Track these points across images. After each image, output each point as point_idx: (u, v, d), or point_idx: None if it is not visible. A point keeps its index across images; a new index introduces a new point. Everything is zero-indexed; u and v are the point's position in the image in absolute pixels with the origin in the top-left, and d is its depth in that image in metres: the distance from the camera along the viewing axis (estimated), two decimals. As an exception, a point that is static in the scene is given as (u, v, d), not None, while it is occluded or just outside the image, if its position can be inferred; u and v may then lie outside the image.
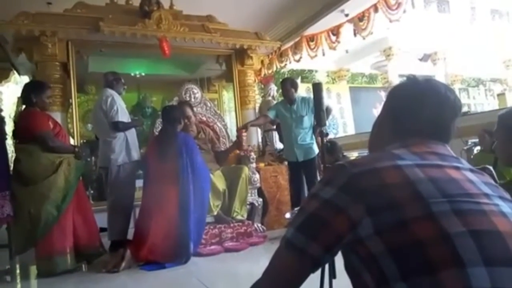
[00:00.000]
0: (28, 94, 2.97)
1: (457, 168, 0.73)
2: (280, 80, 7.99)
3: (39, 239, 2.75)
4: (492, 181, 0.76)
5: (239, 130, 4.03)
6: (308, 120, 3.95)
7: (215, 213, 3.45)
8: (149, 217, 2.98)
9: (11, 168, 2.93)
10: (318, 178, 4.01)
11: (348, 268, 0.74)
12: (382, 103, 0.93)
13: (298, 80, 7.88)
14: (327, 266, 1.90)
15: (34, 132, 2.87)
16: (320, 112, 2.01)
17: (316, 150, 3.96)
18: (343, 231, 0.67)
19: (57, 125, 3.06)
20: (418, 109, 0.82)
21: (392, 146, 0.79)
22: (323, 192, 0.71)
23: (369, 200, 0.66)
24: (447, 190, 0.66)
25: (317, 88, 2.07)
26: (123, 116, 3.56)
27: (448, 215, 0.63)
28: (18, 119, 3.05)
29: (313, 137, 3.96)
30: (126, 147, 3.50)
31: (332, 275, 1.95)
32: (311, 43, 5.98)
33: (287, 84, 4.07)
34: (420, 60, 8.45)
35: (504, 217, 0.65)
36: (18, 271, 3.18)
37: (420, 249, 0.61)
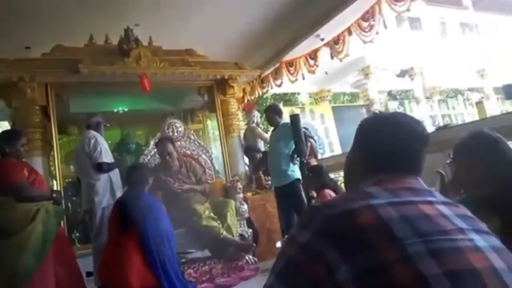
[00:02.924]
0: (1, 145, 2.92)
1: (430, 202, 0.73)
2: (264, 105, 8.06)
3: None
4: (467, 212, 0.77)
5: (232, 182, 4.05)
6: (283, 145, 3.89)
7: (223, 234, 3.39)
8: (117, 267, 2.84)
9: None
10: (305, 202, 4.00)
11: None
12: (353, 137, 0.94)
13: (281, 104, 8.01)
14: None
15: (7, 184, 2.81)
16: (300, 144, 2.01)
17: (294, 175, 3.93)
18: (321, 276, 0.66)
19: (33, 172, 3.00)
20: (388, 144, 0.83)
21: (365, 184, 0.79)
22: (300, 236, 0.71)
23: (344, 244, 0.65)
24: (421, 228, 0.66)
25: (294, 119, 2.09)
26: (107, 157, 3.53)
27: (424, 257, 0.62)
28: None
29: (290, 163, 3.94)
30: (110, 188, 3.45)
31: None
32: (290, 68, 6.08)
33: (270, 111, 4.20)
34: (398, 76, 8.65)
35: (479, 252, 0.65)
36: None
37: None
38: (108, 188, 3.43)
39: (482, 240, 0.68)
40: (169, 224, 3.12)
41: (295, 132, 2.07)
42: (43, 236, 2.76)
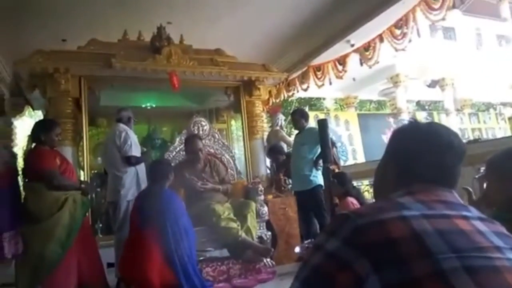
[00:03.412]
0: (37, 133, 3.04)
1: (466, 217, 0.71)
2: (289, 108, 8.04)
3: (44, 277, 2.73)
4: (504, 230, 0.74)
5: (253, 184, 4.03)
6: (307, 150, 3.98)
7: (242, 236, 3.40)
8: (137, 262, 2.87)
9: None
10: (326, 209, 3.96)
11: None
12: (386, 143, 0.92)
13: (306, 108, 7.96)
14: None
15: (39, 171, 2.91)
16: (326, 149, 1.99)
17: (316, 181, 3.93)
18: (348, 287, 0.65)
19: (64, 162, 3.10)
20: (422, 154, 0.81)
21: (397, 194, 0.77)
22: (328, 244, 0.69)
23: (374, 255, 0.64)
24: (456, 244, 0.64)
25: (322, 124, 2.07)
26: (136, 150, 3.61)
27: (459, 273, 0.60)
28: (27, 158, 3.10)
29: (313, 168, 3.94)
30: (136, 182, 3.52)
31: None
32: (318, 73, 6.04)
33: (297, 114, 4.28)
34: (428, 86, 8.45)
35: None
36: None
37: None
38: (134, 182, 3.50)
39: None
40: (188, 221, 3.13)
41: (322, 137, 2.05)
42: (69, 225, 2.84)
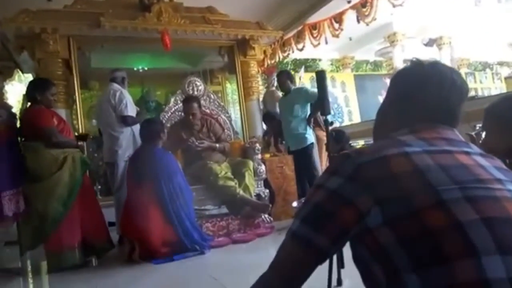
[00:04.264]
0: (33, 92, 2.97)
1: (467, 153, 0.71)
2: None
3: (47, 235, 2.77)
4: (504, 166, 0.74)
5: (250, 143, 4.02)
6: (299, 109, 4.01)
7: (240, 194, 3.44)
8: (138, 221, 2.88)
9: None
10: (316, 167, 4.01)
11: (357, 259, 0.72)
12: (387, 89, 0.91)
13: (302, 70, 7.86)
14: (335, 256, 1.90)
15: (38, 129, 2.87)
16: (324, 101, 1.97)
17: (309, 139, 3.99)
18: (350, 223, 0.66)
19: (61, 121, 3.06)
20: (424, 93, 0.79)
21: (399, 133, 0.76)
22: (329, 182, 0.69)
23: (377, 190, 0.64)
24: (457, 176, 0.64)
25: (320, 76, 2.03)
26: (132, 110, 3.58)
27: (460, 203, 0.61)
28: (23, 116, 3.05)
29: (307, 127, 3.99)
30: (133, 142, 3.51)
31: (341, 265, 1.95)
32: (313, 32, 5.91)
33: (283, 76, 4.25)
34: (426, 45, 8.32)
35: None
36: (29, 267, 3.21)
37: (432, 239, 0.59)
38: (131, 142, 3.49)
39: None
40: (183, 179, 3.15)
41: (320, 89, 2.01)
42: (69, 184, 2.85)
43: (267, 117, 4.93)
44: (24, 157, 2.86)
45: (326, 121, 1.99)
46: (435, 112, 0.78)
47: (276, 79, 4.60)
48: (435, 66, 0.83)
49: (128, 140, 3.48)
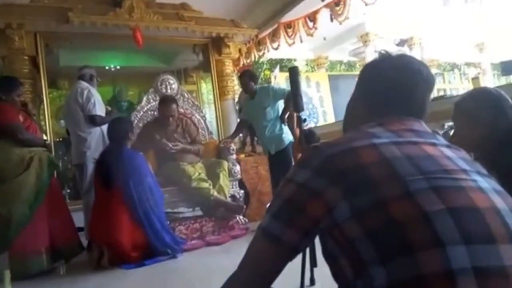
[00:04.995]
0: None
1: (434, 144, 0.71)
2: (260, 70, 7.81)
3: (11, 241, 2.62)
4: (469, 157, 0.75)
5: (225, 142, 3.93)
6: (271, 111, 3.79)
7: (214, 195, 3.37)
8: (106, 225, 2.79)
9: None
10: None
11: (326, 254, 0.72)
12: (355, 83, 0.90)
13: (277, 69, 7.87)
14: (308, 254, 1.90)
15: (2, 126, 2.71)
16: (297, 97, 1.96)
17: (287, 138, 3.89)
18: (318, 216, 0.65)
19: (27, 119, 2.90)
20: (392, 86, 0.80)
21: (367, 125, 0.76)
22: (298, 176, 0.68)
23: (345, 181, 0.64)
24: (424, 167, 0.64)
25: (293, 72, 2.02)
26: (101, 109, 3.45)
27: (426, 193, 0.60)
28: None
29: (282, 126, 3.84)
30: (103, 143, 3.39)
31: (313, 263, 1.95)
32: (288, 30, 5.92)
33: (245, 77, 3.87)
34: (397, 45, 8.50)
35: (482, 193, 0.64)
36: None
37: (398, 230, 0.58)
38: (100, 142, 3.37)
39: (485, 182, 0.67)
40: (154, 181, 3.05)
41: (293, 85, 2.00)
42: (36, 186, 2.72)
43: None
44: None
45: (299, 118, 1.97)
46: (403, 104, 0.79)
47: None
48: (403, 58, 0.84)
49: (97, 141, 3.36)
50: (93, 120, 3.36)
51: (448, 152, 0.71)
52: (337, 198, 0.63)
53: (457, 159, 0.70)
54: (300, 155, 3.09)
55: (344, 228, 0.62)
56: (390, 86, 0.80)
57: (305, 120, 2.05)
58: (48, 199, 2.78)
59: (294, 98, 1.98)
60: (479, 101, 1.39)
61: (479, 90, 1.41)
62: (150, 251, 2.78)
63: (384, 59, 0.84)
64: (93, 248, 2.81)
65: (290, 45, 6.07)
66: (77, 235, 2.99)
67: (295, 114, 3.97)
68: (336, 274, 0.71)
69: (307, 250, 1.89)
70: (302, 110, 2.02)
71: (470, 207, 0.60)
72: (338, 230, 0.63)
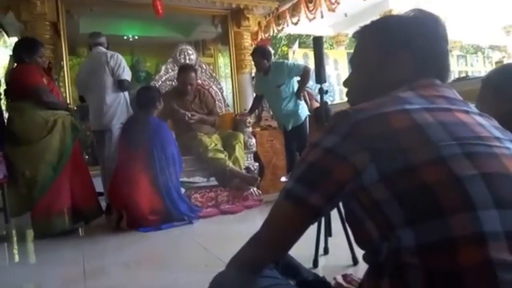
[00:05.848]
0: (20, 53, 2.82)
1: (466, 112, 0.70)
2: (278, 46, 7.66)
3: (36, 201, 2.71)
4: (500, 126, 0.74)
5: (241, 116, 3.93)
6: (286, 89, 3.76)
7: (229, 166, 3.42)
8: (127, 189, 2.88)
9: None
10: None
11: (350, 218, 0.72)
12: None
13: (296, 44, 7.74)
14: (323, 224, 1.93)
15: (27, 88, 2.74)
16: (320, 69, 1.94)
17: (304, 113, 3.87)
18: (345, 180, 0.65)
19: (51, 82, 2.94)
20: (421, 41, 0.76)
21: (397, 91, 0.74)
22: (325, 141, 0.68)
23: (375, 146, 0.63)
24: (457, 133, 0.64)
25: (317, 42, 1.99)
26: (128, 75, 3.47)
27: (459, 158, 0.60)
28: (11, 76, 2.88)
29: (298, 102, 3.82)
30: (126, 109, 3.45)
31: (328, 233, 1.98)
32: (309, 5, 5.75)
33: (258, 54, 3.78)
34: (420, 24, 8.26)
35: None
36: (14, 234, 3.19)
37: (429, 193, 0.58)
38: (125, 108, 3.42)
39: None
40: (177, 150, 3.12)
41: (316, 56, 1.98)
42: (59, 149, 2.78)
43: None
44: (10, 119, 2.74)
45: (321, 89, 1.96)
46: (431, 63, 0.77)
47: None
48: (423, 14, 0.80)
49: (122, 106, 3.40)
50: (122, 85, 3.37)
51: (481, 120, 0.70)
52: (365, 162, 0.63)
53: (490, 127, 0.69)
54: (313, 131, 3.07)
55: (372, 191, 0.62)
56: (418, 40, 0.76)
57: (327, 92, 2.03)
58: (70, 162, 2.85)
59: (317, 69, 1.96)
60: (506, 74, 1.36)
61: (506, 65, 1.38)
62: (166, 216, 2.86)
63: (408, 14, 0.80)
64: (112, 211, 2.90)
65: (310, 20, 5.92)
66: (97, 198, 3.07)
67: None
68: (360, 238, 0.72)
69: (323, 220, 1.92)
70: (325, 81, 2.00)
71: (504, 173, 0.60)
72: (365, 193, 0.63)
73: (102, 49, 3.47)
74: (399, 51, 0.78)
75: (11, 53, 3.03)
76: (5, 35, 5.39)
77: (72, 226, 2.88)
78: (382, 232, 0.63)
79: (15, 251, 2.76)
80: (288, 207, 0.69)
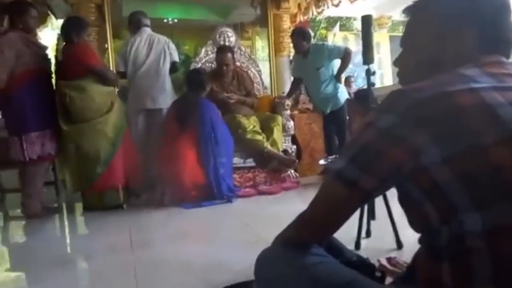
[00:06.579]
0: (69, 32, 2.91)
1: None
2: (316, 29, 7.51)
3: (99, 175, 2.82)
4: None
5: (280, 98, 3.93)
6: (325, 71, 3.71)
7: (267, 148, 3.45)
8: (173, 163, 2.99)
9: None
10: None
11: (404, 200, 0.70)
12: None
13: (337, 27, 7.53)
14: (366, 206, 1.89)
15: (91, 67, 2.85)
16: (369, 48, 1.87)
17: (343, 97, 3.81)
18: (402, 161, 0.62)
19: (102, 61, 3.10)
20: (483, 16, 0.71)
21: (461, 67, 0.69)
22: (381, 120, 0.65)
23: (437, 127, 0.60)
24: None
25: (366, 21, 1.91)
26: (177, 58, 3.61)
27: None
28: (67, 54, 2.92)
29: (337, 85, 3.77)
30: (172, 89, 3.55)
31: (371, 216, 1.94)
32: (352, -15, 5.58)
33: (297, 36, 3.73)
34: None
35: None
36: (64, 207, 3.38)
37: (498, 176, 0.55)
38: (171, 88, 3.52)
39: None
40: (226, 130, 3.24)
41: (364, 35, 1.91)
42: (116, 126, 2.90)
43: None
44: (67, 97, 2.80)
45: (368, 70, 1.90)
46: (496, 39, 0.71)
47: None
48: None
49: (171, 86, 3.53)
50: (175, 67, 3.50)
51: None
52: (426, 143, 0.60)
53: None
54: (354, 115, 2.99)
55: (433, 172, 0.60)
56: (480, 15, 0.71)
57: (374, 73, 1.96)
58: (123, 141, 2.97)
59: (364, 48, 1.90)
60: None
61: None
62: (207, 193, 2.95)
63: None
64: (156, 189, 3.02)
65: (352, 1, 5.73)
66: (144, 174, 3.16)
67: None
68: (416, 221, 0.70)
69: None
70: (372, 62, 1.93)
71: None
72: (425, 174, 0.61)
73: (150, 30, 3.53)
74: (465, 25, 0.72)
75: (59, 32, 3.12)
76: (53, 17, 5.61)
77: (124, 201, 3.00)
78: (443, 215, 0.60)
79: (66, 223, 2.93)
80: (338, 188, 0.67)
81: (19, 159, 2.73)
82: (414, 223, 0.71)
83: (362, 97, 3.59)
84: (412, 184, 0.64)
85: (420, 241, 0.69)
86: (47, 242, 2.33)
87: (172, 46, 3.53)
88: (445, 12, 0.74)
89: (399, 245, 1.72)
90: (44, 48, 2.97)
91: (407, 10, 0.82)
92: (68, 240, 2.46)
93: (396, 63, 0.86)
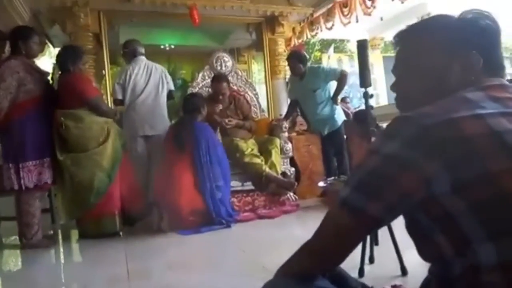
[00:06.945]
0: (64, 61, 2.93)
1: None
2: (310, 51, 7.62)
3: (92, 206, 2.79)
4: None
5: (277, 120, 3.97)
6: (322, 93, 3.75)
7: (266, 171, 3.43)
8: (170, 189, 2.97)
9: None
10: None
11: (413, 229, 0.68)
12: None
13: (331, 49, 7.65)
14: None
15: (86, 97, 2.84)
16: (365, 72, 1.89)
17: (340, 119, 3.84)
18: (411, 189, 0.60)
19: (99, 90, 3.09)
20: (482, 39, 0.71)
21: (464, 90, 0.67)
22: (385, 146, 0.63)
23: (445, 154, 0.58)
24: None
25: (362, 45, 1.94)
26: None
27: None
28: (62, 84, 2.92)
29: (334, 106, 3.81)
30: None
31: (375, 241, 1.90)
32: (344, 9, 5.69)
33: (294, 59, 3.80)
34: (460, 27, 7.96)
35: None
36: (60, 234, 3.31)
37: (510, 203, 0.54)
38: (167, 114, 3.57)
39: None
40: (222, 153, 3.22)
41: (360, 59, 1.93)
42: (112, 156, 2.87)
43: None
44: (63, 126, 2.79)
45: (366, 93, 1.91)
46: (493, 62, 0.71)
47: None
48: (478, 11, 0.74)
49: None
50: (171, 95, 3.57)
51: None
52: (435, 170, 0.58)
53: None
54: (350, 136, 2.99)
55: (444, 202, 0.58)
56: (479, 39, 0.71)
57: (372, 96, 1.98)
58: (120, 167, 2.93)
59: (361, 72, 1.91)
60: None
61: None
62: (206, 218, 2.90)
63: (468, 13, 0.74)
64: (153, 213, 2.98)
65: (345, 25, 5.84)
66: (142, 201, 3.14)
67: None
68: (426, 251, 0.67)
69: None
70: (370, 85, 1.95)
71: None
72: (435, 204, 0.59)
73: (145, 59, 3.56)
74: (469, 51, 0.71)
75: (55, 61, 3.15)
76: (50, 46, 5.68)
77: (121, 228, 2.95)
78: (457, 247, 0.58)
79: (61, 250, 2.86)
80: (344, 217, 0.65)
81: (12, 188, 2.66)
82: (423, 253, 0.69)
83: (362, 118, 3.60)
84: (421, 213, 0.62)
85: (430, 271, 0.67)
86: (42, 271, 2.27)
87: (168, 76, 3.62)
88: (445, 39, 0.73)
89: (404, 271, 1.68)
90: (46, 74, 2.96)
91: (398, 36, 0.82)
92: (63, 270, 2.40)
93: (393, 88, 0.84)
